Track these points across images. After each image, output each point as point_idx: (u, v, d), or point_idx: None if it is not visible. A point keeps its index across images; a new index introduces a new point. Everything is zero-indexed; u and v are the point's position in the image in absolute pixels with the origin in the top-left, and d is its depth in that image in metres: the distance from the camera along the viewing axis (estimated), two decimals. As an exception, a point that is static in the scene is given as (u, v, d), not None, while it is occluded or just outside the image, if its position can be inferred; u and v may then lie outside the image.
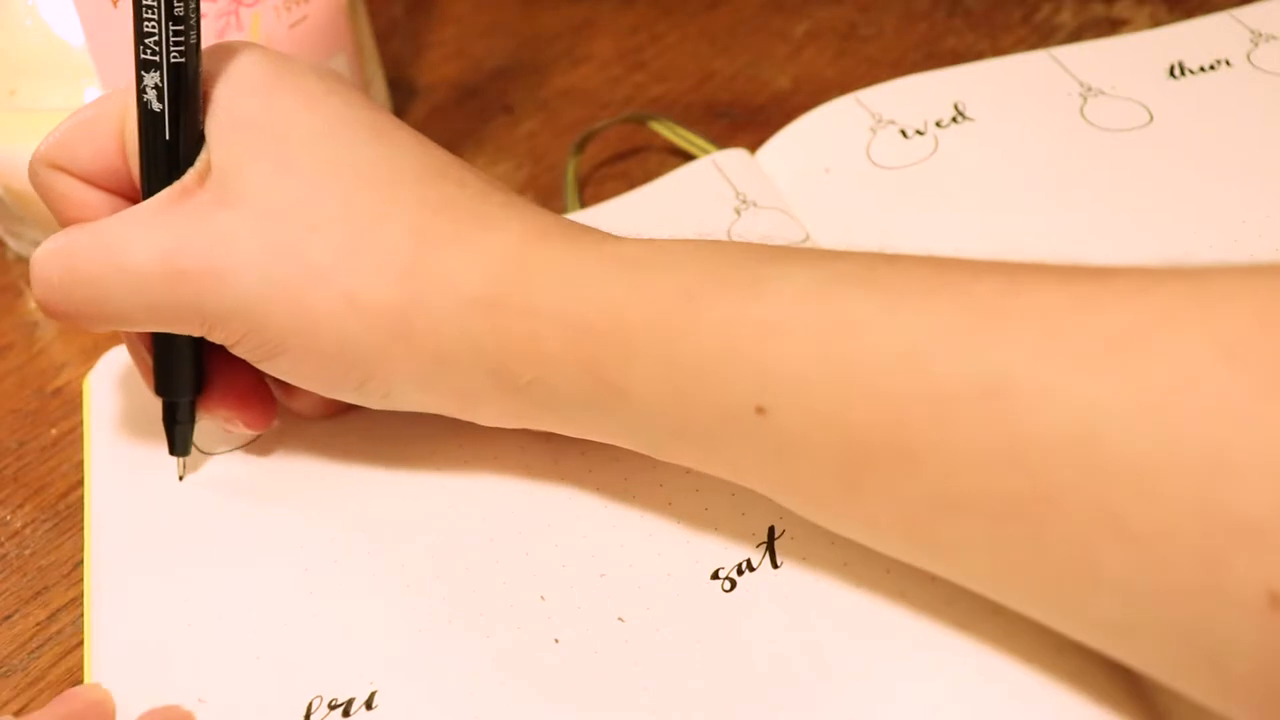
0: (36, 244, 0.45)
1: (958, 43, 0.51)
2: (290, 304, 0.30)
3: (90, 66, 0.40)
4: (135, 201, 0.32)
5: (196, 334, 0.31)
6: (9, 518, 0.37)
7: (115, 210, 0.32)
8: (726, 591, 0.31)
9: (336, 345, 0.30)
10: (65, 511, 0.37)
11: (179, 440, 0.34)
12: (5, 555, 0.36)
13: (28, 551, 0.36)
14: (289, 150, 0.30)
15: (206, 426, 0.35)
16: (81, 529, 0.35)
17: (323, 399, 0.35)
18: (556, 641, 0.30)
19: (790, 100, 0.49)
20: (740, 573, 0.31)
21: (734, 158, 0.44)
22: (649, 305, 0.28)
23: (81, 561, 0.35)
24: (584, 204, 0.45)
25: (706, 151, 0.45)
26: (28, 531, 0.36)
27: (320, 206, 0.30)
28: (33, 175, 0.32)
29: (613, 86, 0.52)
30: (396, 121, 0.32)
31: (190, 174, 0.30)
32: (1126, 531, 0.23)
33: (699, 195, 0.43)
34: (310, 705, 0.30)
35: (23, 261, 0.46)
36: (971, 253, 0.39)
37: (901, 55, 0.51)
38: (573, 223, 0.32)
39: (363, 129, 0.31)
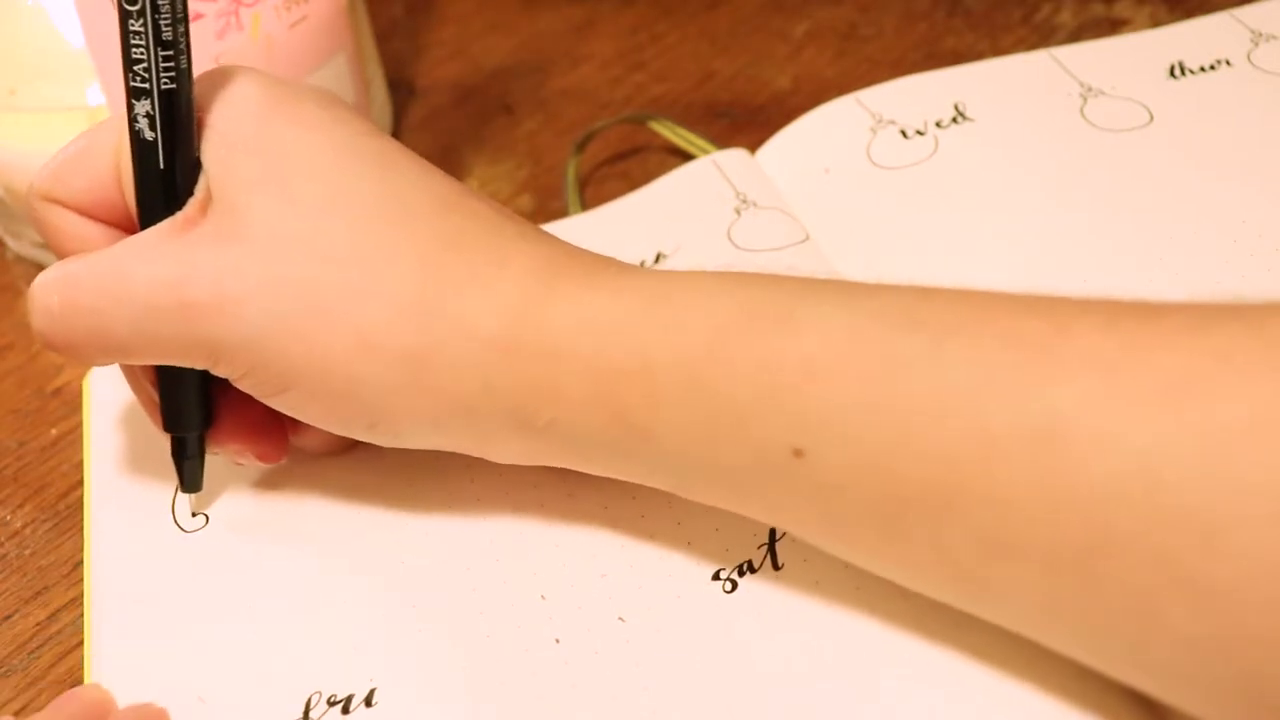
0: (36, 244, 0.45)
1: (958, 43, 0.51)
2: (300, 340, 0.29)
3: (90, 66, 0.40)
4: (133, 233, 0.31)
5: (201, 366, 0.30)
6: (9, 518, 0.37)
7: (114, 243, 0.31)
8: (728, 593, 0.31)
9: (347, 384, 0.29)
10: (65, 511, 0.37)
11: (189, 476, 0.33)
12: (5, 555, 0.36)
13: (28, 551, 0.36)
14: (291, 179, 0.29)
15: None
16: (81, 529, 0.35)
17: (329, 435, 0.33)
18: (557, 641, 0.30)
19: (790, 100, 0.49)
20: (741, 574, 0.31)
21: (734, 158, 0.44)
22: (676, 345, 0.27)
23: (81, 561, 0.35)
24: (584, 204, 0.46)
25: (706, 151, 0.45)
26: (28, 531, 0.36)
27: (328, 240, 0.29)
28: (29, 210, 0.32)
29: (613, 86, 0.52)
30: (401, 148, 0.31)
31: (191, 204, 0.30)
32: (1189, 580, 0.22)
33: (699, 195, 0.43)
34: (309, 702, 0.30)
35: (23, 262, 0.46)
36: (971, 252, 0.39)
37: (901, 55, 0.51)
38: (587, 253, 0.31)
39: (367, 156, 0.30)
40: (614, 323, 0.28)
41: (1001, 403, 0.24)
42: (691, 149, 0.46)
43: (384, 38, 0.54)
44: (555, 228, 0.43)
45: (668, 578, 0.31)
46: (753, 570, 0.31)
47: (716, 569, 0.31)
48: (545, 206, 0.46)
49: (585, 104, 0.51)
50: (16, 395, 0.41)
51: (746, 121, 0.49)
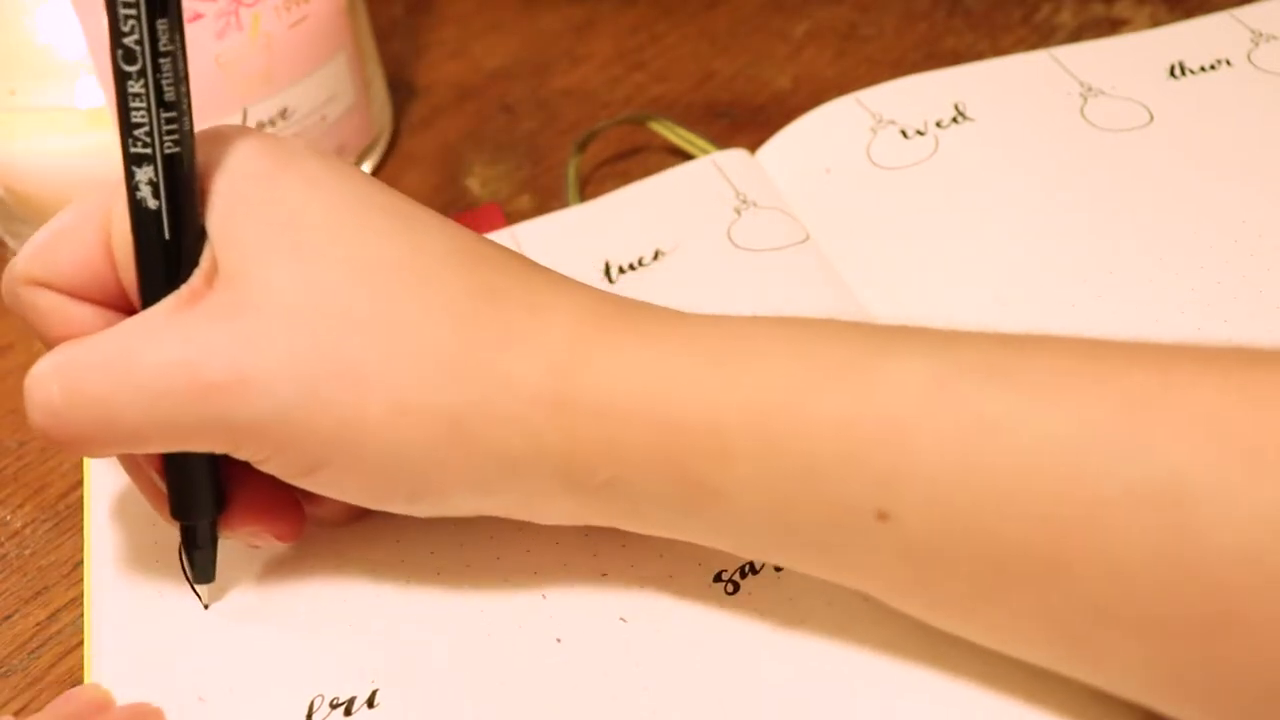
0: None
1: (958, 43, 0.51)
2: (331, 411, 0.27)
3: (90, 66, 0.40)
4: (128, 312, 0.29)
5: (221, 451, 0.28)
6: (9, 518, 0.37)
7: (108, 324, 0.29)
8: (729, 594, 0.31)
9: (387, 455, 0.27)
10: (65, 512, 0.37)
11: (201, 566, 0.31)
12: (5, 555, 0.36)
13: (28, 551, 0.36)
14: (304, 241, 0.28)
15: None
16: (81, 529, 0.35)
17: (347, 504, 0.31)
18: (558, 641, 0.30)
19: (790, 100, 0.49)
20: (743, 575, 0.31)
21: (734, 158, 0.44)
22: (747, 405, 0.26)
23: (81, 561, 0.35)
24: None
25: (706, 151, 0.45)
26: (28, 531, 0.36)
27: (352, 302, 0.27)
28: (10, 296, 0.30)
29: (613, 86, 0.52)
30: (410, 201, 0.30)
31: (197, 275, 0.28)
32: None
33: (699, 195, 0.43)
34: (312, 704, 0.30)
35: (22, 261, 0.46)
36: (972, 252, 0.39)
37: (901, 55, 0.51)
38: (626, 299, 0.29)
39: (380, 213, 0.29)
40: (674, 377, 0.27)
41: (1111, 462, 0.23)
42: (691, 149, 0.46)
43: (384, 37, 0.54)
44: (555, 221, 0.43)
45: (669, 578, 0.31)
46: (754, 572, 0.31)
47: (718, 570, 0.31)
48: (545, 206, 0.46)
49: (585, 104, 0.51)
50: (16, 395, 0.40)
51: (747, 121, 0.49)
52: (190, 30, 0.39)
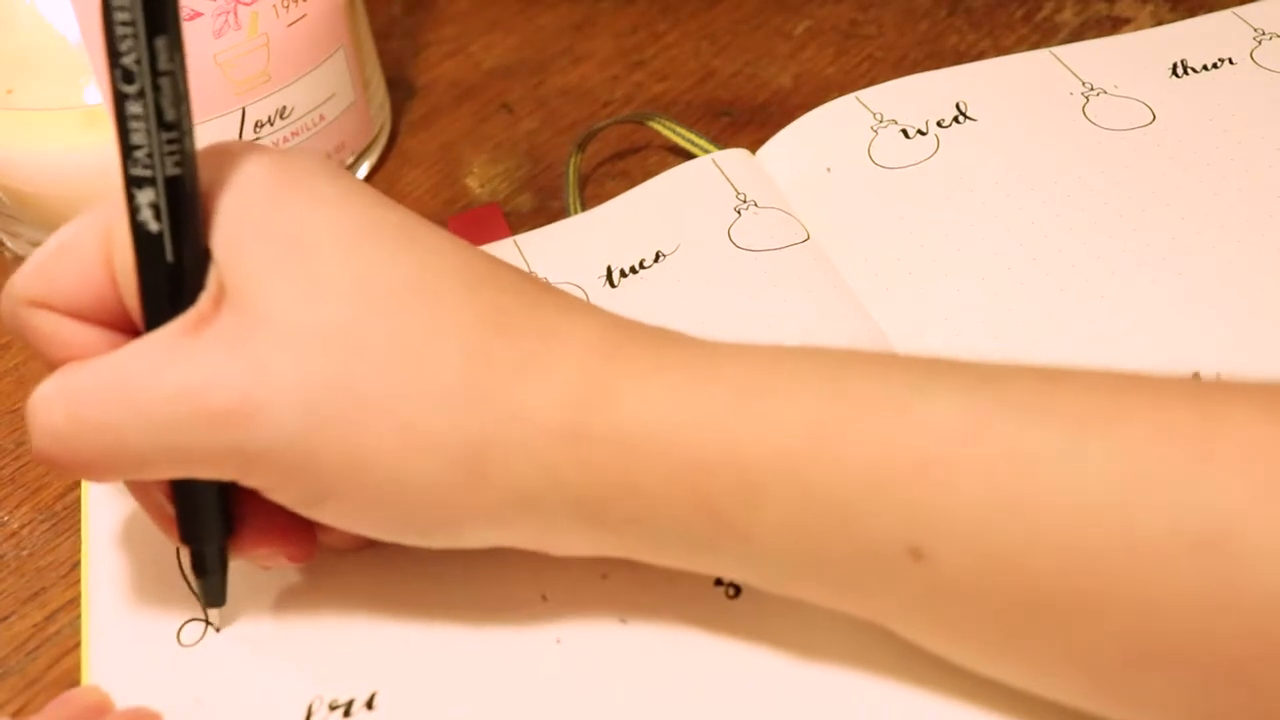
0: (35, 244, 0.45)
1: (959, 41, 0.51)
2: (341, 441, 0.26)
3: (88, 65, 0.40)
4: (131, 333, 0.28)
5: (229, 478, 0.27)
6: (6, 518, 0.37)
7: (112, 346, 0.28)
8: (730, 598, 0.30)
9: (396, 486, 0.27)
10: (63, 512, 0.37)
11: (211, 591, 0.30)
12: (3, 556, 0.36)
13: (25, 552, 0.36)
14: (312, 263, 0.27)
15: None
16: (79, 529, 0.35)
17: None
18: (558, 642, 0.30)
19: (791, 99, 0.49)
20: (743, 576, 0.31)
21: (734, 157, 0.44)
22: (774, 441, 0.25)
23: (79, 562, 0.35)
24: (585, 203, 0.45)
25: (707, 151, 0.45)
26: (25, 532, 0.36)
27: (362, 327, 0.26)
28: (10, 317, 0.29)
29: (612, 85, 0.52)
30: (421, 220, 0.29)
31: (203, 299, 0.27)
32: None
33: (699, 195, 0.43)
34: (310, 706, 0.29)
35: (21, 260, 0.46)
36: (973, 252, 0.39)
37: (903, 54, 0.51)
38: (642, 325, 0.28)
39: (391, 233, 0.28)
40: (696, 411, 0.26)
41: (1153, 503, 0.23)
42: (692, 148, 0.46)
43: (383, 36, 0.54)
44: (556, 228, 0.43)
45: (670, 581, 0.31)
46: (755, 572, 0.31)
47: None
48: (545, 206, 0.46)
49: (585, 103, 0.51)
50: (15, 395, 0.41)
51: (747, 120, 0.49)
52: (188, 29, 0.39)
